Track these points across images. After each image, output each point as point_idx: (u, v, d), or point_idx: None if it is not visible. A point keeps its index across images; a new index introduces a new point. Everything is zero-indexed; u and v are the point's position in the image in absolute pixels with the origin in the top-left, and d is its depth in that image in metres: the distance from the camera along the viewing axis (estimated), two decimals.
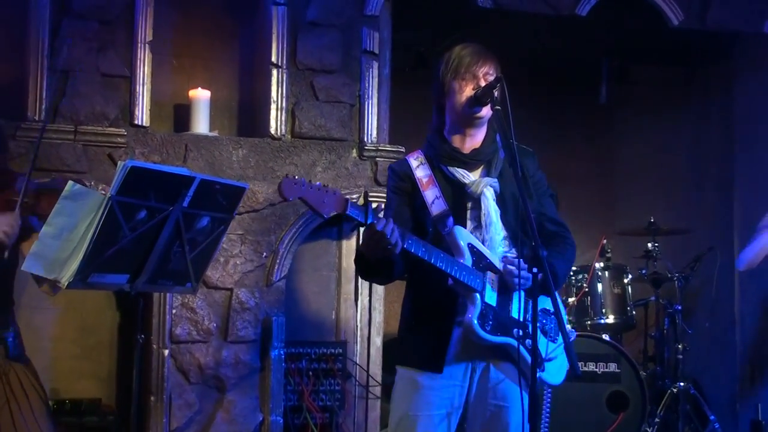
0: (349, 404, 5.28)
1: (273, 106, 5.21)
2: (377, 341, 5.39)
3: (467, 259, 3.19)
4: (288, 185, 2.91)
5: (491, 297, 3.22)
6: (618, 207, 7.68)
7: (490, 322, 3.19)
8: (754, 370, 6.34)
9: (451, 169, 3.32)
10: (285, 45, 5.24)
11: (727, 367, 6.55)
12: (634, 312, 6.29)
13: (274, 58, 5.22)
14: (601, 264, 6.21)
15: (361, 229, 3.33)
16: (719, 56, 6.76)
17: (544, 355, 3.27)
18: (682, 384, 5.91)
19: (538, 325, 3.26)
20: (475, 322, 3.15)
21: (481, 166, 3.36)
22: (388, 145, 5.36)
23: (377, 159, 5.32)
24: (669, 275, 6.25)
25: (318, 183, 2.98)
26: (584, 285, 6.08)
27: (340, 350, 5.25)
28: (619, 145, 7.82)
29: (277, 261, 5.11)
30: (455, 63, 3.30)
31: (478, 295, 3.18)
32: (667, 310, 6.21)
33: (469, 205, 3.31)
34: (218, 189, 3.26)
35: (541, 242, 3.28)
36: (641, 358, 6.58)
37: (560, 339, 3.32)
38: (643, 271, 6.34)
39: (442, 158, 3.34)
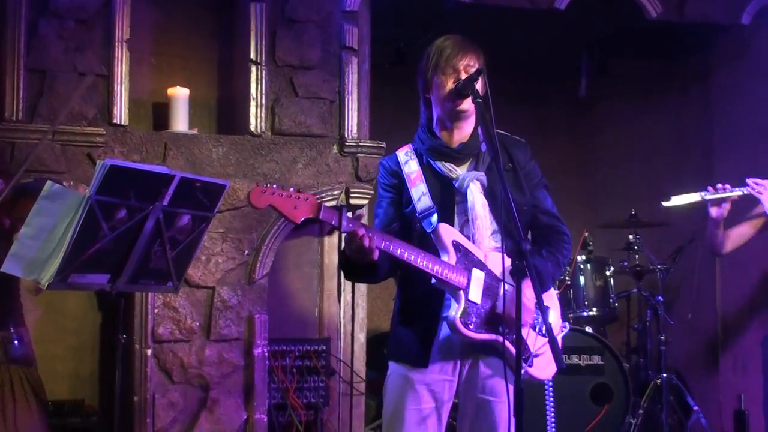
0: (333, 401, 5.28)
1: (252, 103, 5.20)
2: (361, 337, 5.38)
3: (452, 257, 3.19)
4: (256, 194, 2.92)
5: (475, 294, 3.21)
6: (599, 199, 7.71)
7: (474, 320, 3.19)
8: (736, 360, 6.37)
9: (439, 164, 3.33)
10: (264, 42, 5.22)
11: (709, 358, 6.58)
12: (616, 304, 6.32)
13: (253, 55, 5.21)
14: (583, 257, 6.23)
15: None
16: (697, 48, 6.79)
17: (531, 350, 3.28)
18: (665, 375, 5.94)
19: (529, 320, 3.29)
20: (458, 319, 3.16)
21: (470, 160, 3.36)
22: (368, 141, 5.35)
23: (358, 155, 5.31)
24: (651, 267, 6.28)
25: (291, 189, 2.98)
26: (566, 278, 6.10)
27: (324, 347, 5.25)
28: (600, 138, 7.84)
29: (259, 258, 5.10)
30: (435, 57, 3.30)
31: (461, 293, 3.18)
32: (649, 302, 6.24)
33: (457, 199, 3.31)
34: (198, 187, 3.25)
35: (536, 236, 3.36)
36: (624, 350, 6.61)
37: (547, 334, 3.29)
38: (625, 263, 6.37)
39: (430, 153, 3.34)
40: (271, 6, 5.25)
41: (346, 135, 5.33)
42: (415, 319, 3.32)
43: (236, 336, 5.07)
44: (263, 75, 5.22)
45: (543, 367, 3.34)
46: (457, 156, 3.33)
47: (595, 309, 6.18)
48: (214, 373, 5.02)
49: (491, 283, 3.25)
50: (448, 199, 3.30)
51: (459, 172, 3.32)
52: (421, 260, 3.13)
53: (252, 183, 5.07)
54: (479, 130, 3.32)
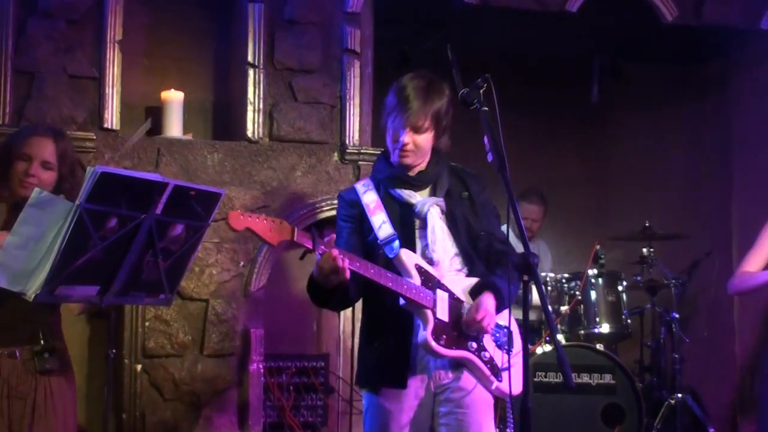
0: (331, 421, 5.28)
1: (250, 108, 5.21)
2: None
3: (416, 280, 3.37)
4: (235, 217, 3.13)
5: (443, 313, 3.38)
6: (611, 211, 7.70)
7: (444, 337, 3.36)
8: (754, 380, 6.36)
9: (398, 190, 3.52)
10: (262, 44, 5.24)
11: (726, 378, 6.57)
12: (629, 321, 6.30)
13: (250, 58, 5.22)
14: (595, 271, 6.22)
15: None
16: (715, 53, 6.80)
17: (500, 366, 3.47)
18: (679, 395, 5.93)
19: (493, 338, 3.49)
20: (430, 337, 3.33)
21: (428, 188, 3.56)
22: (370, 148, 5.36)
23: (359, 162, 5.32)
24: (665, 282, 6.27)
25: (263, 215, 3.20)
26: (577, 293, 6.09)
27: (323, 363, 5.25)
28: (613, 146, 7.84)
29: (255, 270, 5.10)
30: (388, 105, 3.48)
31: (429, 312, 3.36)
32: (663, 319, 6.23)
33: (417, 224, 3.50)
34: (193, 195, 3.25)
35: (490, 262, 3.55)
36: (637, 368, 6.59)
37: (514, 351, 3.51)
38: (638, 278, 6.36)
39: (390, 182, 3.53)
40: (269, 6, 5.27)
41: (347, 141, 5.34)
42: (385, 341, 3.46)
43: (231, 351, 5.07)
44: (261, 78, 5.24)
45: (514, 383, 3.47)
46: (415, 183, 3.53)
47: (606, 325, 6.17)
48: (207, 390, 5.02)
49: (454, 304, 3.43)
50: (409, 225, 3.49)
51: (418, 197, 3.51)
52: (390, 282, 3.30)
53: (249, 191, 5.09)
54: (441, 165, 3.55)
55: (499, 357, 3.48)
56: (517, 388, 3.46)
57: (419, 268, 3.38)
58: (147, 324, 4.94)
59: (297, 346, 5.34)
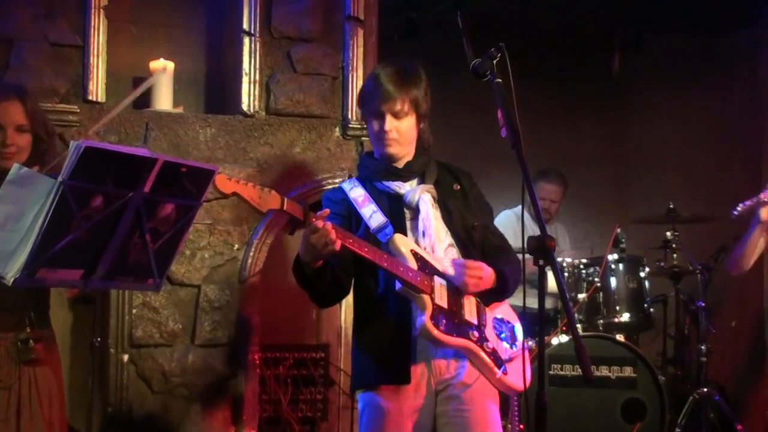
0: (332, 415, 5.29)
1: (245, 80, 5.19)
2: None
3: (412, 264, 3.37)
4: (222, 180, 3.14)
5: (441, 299, 3.39)
6: (633, 192, 7.70)
7: (444, 322, 3.36)
8: None
9: (386, 183, 3.57)
10: (257, 10, 5.21)
11: (755, 371, 6.58)
12: (651, 309, 6.30)
13: (245, 25, 5.20)
14: (615, 256, 6.21)
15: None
16: (743, 23, 6.77)
17: (503, 357, 3.48)
18: (705, 390, 5.93)
19: (495, 332, 3.51)
20: (429, 322, 3.32)
21: (415, 179, 3.61)
22: None
23: (362, 138, 5.31)
24: (690, 268, 6.26)
25: (252, 183, 3.19)
26: (596, 280, 6.08)
27: (322, 354, 5.26)
28: (634, 123, 7.83)
29: (251, 254, 5.10)
30: (366, 96, 3.57)
31: (427, 297, 3.36)
32: (688, 307, 6.23)
33: (408, 215, 3.53)
34: (184, 172, 3.23)
35: (487, 255, 3.57)
36: (659, 361, 6.60)
37: (517, 344, 3.55)
38: (662, 264, 6.36)
39: (377, 175, 3.58)
40: None
41: (349, 116, 5.33)
42: (380, 334, 3.45)
43: (224, 341, 5.07)
44: (257, 48, 5.22)
45: (518, 377, 3.51)
46: (403, 174, 3.58)
47: (627, 315, 6.17)
48: (199, 382, 5.02)
49: (453, 291, 3.44)
50: (399, 216, 3.52)
51: (407, 187, 3.57)
52: (385, 263, 3.30)
53: (244, 168, 5.08)
54: (428, 157, 3.61)
55: (501, 349, 3.49)
56: (521, 383, 3.49)
57: (415, 254, 3.39)
58: (134, 311, 4.94)
59: (295, 335, 5.34)
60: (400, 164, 3.57)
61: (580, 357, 3.07)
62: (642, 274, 6.27)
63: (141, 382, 4.96)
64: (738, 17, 6.69)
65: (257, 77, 5.21)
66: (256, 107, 5.22)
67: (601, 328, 6.08)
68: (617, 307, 6.16)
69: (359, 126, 5.31)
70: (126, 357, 4.92)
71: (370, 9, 5.44)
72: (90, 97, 4.95)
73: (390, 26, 5.80)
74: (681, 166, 7.44)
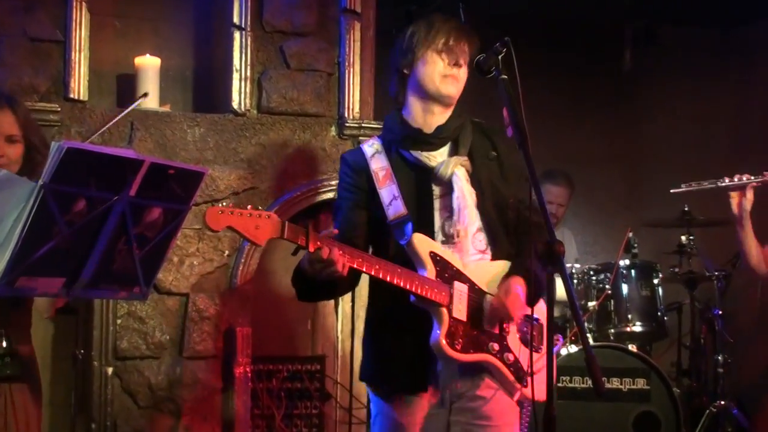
0: (329, 431, 5.28)
1: (235, 76, 5.20)
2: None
3: (430, 271, 3.28)
4: (212, 215, 3.05)
5: (460, 311, 3.29)
6: (645, 193, 7.69)
7: (461, 339, 3.28)
8: None
9: (413, 153, 3.41)
10: (249, 2, 5.22)
11: None
12: (665, 318, 6.31)
13: (235, 19, 5.21)
14: (627, 261, 6.22)
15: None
16: (762, 13, 6.77)
17: (526, 368, 3.37)
18: (722, 403, 5.93)
19: (518, 334, 3.40)
20: (443, 341, 3.25)
21: (447, 145, 3.45)
22: (372, 122, 5.36)
23: (360, 138, 5.31)
24: (707, 274, 6.27)
25: (249, 207, 3.11)
26: (607, 286, 6.09)
27: (318, 366, 5.26)
28: (646, 120, 7.83)
29: (242, 260, 5.10)
30: (434, 32, 3.39)
31: (444, 310, 3.27)
32: (704, 316, 6.23)
33: (437, 192, 3.40)
34: (171, 174, 3.23)
35: (521, 235, 3.43)
36: (674, 372, 6.60)
37: (544, 349, 3.42)
38: (676, 270, 6.36)
39: (403, 142, 3.43)
40: None
41: (346, 114, 5.33)
42: (398, 340, 3.38)
43: (214, 353, 5.07)
44: (248, 42, 5.22)
45: (541, 385, 3.36)
46: (433, 141, 3.42)
47: (639, 323, 6.17)
48: (187, 396, 5.02)
49: (474, 297, 3.34)
50: (426, 194, 3.39)
51: (438, 159, 3.40)
52: (397, 278, 3.21)
53: (234, 170, 5.08)
54: (463, 119, 3.44)
55: (525, 358, 3.39)
56: (543, 393, 3.37)
57: (434, 257, 3.29)
58: (119, 321, 4.93)
59: (289, 346, 5.34)
60: (430, 129, 3.41)
61: (591, 368, 3.05)
62: (655, 281, 6.27)
63: (126, 396, 4.95)
64: (758, 6, 6.68)
65: (248, 74, 5.22)
66: (247, 105, 5.22)
67: (612, 337, 6.08)
68: (629, 316, 6.16)
69: (356, 125, 5.31)
70: (110, 370, 4.92)
71: (367, 1, 5.46)
72: (72, 96, 4.95)
73: (388, 19, 5.80)
74: (696, 166, 7.42)
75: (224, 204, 3.10)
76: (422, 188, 3.39)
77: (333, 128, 5.34)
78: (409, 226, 3.33)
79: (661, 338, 6.48)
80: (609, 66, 7.44)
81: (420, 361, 3.34)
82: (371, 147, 3.47)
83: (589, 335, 6.04)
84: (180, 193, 3.28)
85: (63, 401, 4.86)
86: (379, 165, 3.41)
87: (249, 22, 5.22)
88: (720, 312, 6.11)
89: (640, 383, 5.77)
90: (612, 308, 6.16)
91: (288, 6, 5.31)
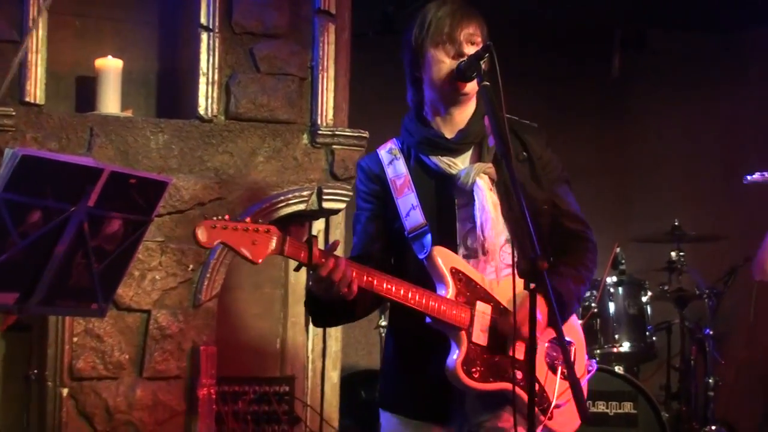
0: None
1: (202, 80, 5.19)
2: (333, 376, 5.38)
3: (450, 289, 3.19)
4: (205, 230, 2.93)
5: (479, 334, 3.20)
6: (634, 207, 7.74)
7: (479, 367, 3.19)
8: None
9: (433, 158, 3.31)
10: (217, 2, 5.21)
11: None
12: (654, 338, 6.34)
13: (203, 20, 5.20)
14: (614, 278, 6.25)
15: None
16: (757, 18, 6.82)
17: (552, 399, 3.27)
18: (713, 428, 5.96)
19: (547, 359, 3.30)
20: (460, 367, 3.16)
21: (470, 150, 3.35)
22: (347, 129, 5.36)
23: (333, 146, 5.31)
24: (697, 292, 6.30)
25: (248, 218, 2.99)
26: (593, 305, 6.11)
27: (287, 388, 5.25)
28: (635, 130, 7.87)
29: (207, 275, 5.09)
30: (431, 25, 3.29)
31: (463, 334, 3.18)
32: (694, 336, 6.26)
33: (460, 202, 3.30)
34: (133, 184, 3.24)
35: (553, 244, 3.30)
36: (662, 395, 6.62)
37: (577, 375, 3.22)
38: (665, 287, 6.39)
39: (422, 147, 3.33)
40: None
41: (319, 121, 5.33)
42: (421, 364, 3.29)
43: (176, 373, 5.06)
44: (215, 44, 5.22)
45: (566, 421, 3.32)
46: (455, 147, 3.32)
47: (627, 344, 6.21)
48: (148, 419, 5.00)
49: (498, 319, 3.24)
50: (447, 205, 3.30)
51: (460, 165, 3.31)
52: (411, 296, 3.13)
53: (200, 179, 5.07)
54: (486, 121, 3.29)
55: (552, 387, 3.27)
56: (572, 426, 3.31)
57: (456, 273, 3.20)
58: (75, 340, 4.91)
59: (256, 367, 5.33)
60: (452, 133, 3.31)
61: (574, 392, 3.07)
62: (643, 299, 6.31)
63: (82, 419, 4.93)
64: (751, 12, 6.72)
65: (216, 77, 5.21)
66: (215, 111, 5.21)
67: (597, 358, 6.10)
68: (616, 336, 6.19)
69: (329, 132, 5.31)
70: (65, 391, 4.89)
71: (342, 2, 5.45)
72: (27, 99, 4.93)
73: (364, 21, 5.83)
74: (687, 179, 7.48)
75: (218, 217, 2.96)
76: (443, 197, 3.30)
77: (305, 136, 5.34)
78: (428, 238, 3.24)
79: (649, 359, 6.51)
80: (597, 73, 7.48)
81: (444, 388, 3.22)
82: (389, 153, 3.39)
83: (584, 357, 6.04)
84: (142, 204, 3.28)
85: (14, 424, 4.83)
86: (395, 172, 3.34)
87: (217, 23, 5.22)
88: (711, 332, 6.14)
89: (627, 407, 5.79)
90: (598, 327, 6.19)
91: (259, 6, 5.30)
